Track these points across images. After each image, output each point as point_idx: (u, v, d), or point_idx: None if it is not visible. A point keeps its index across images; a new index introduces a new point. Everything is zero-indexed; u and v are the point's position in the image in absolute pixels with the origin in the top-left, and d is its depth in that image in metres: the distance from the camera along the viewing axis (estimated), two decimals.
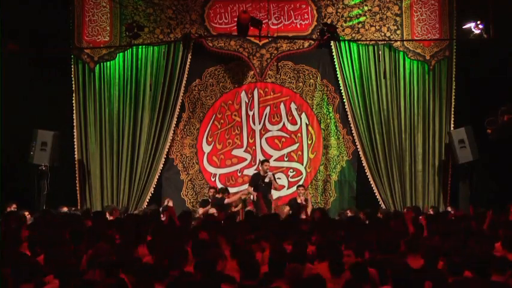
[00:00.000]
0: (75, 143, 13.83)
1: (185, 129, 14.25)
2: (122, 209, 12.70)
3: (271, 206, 12.67)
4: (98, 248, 6.29)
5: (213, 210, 12.06)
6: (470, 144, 13.17)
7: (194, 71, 14.12)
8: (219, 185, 13.71)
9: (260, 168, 13.04)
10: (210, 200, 12.78)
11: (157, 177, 13.84)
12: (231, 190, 13.50)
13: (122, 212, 12.34)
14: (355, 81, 13.87)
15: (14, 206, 11.10)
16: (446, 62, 13.88)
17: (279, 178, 13.82)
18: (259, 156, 13.99)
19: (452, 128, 13.82)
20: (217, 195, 12.88)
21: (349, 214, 11.74)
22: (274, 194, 13.24)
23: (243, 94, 14.34)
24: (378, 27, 13.86)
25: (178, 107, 13.94)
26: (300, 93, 14.33)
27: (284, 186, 13.91)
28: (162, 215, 10.80)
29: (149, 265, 5.67)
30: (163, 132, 13.81)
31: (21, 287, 5.37)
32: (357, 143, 13.98)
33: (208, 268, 5.57)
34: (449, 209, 12.87)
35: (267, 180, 12.67)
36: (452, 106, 13.90)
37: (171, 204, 12.47)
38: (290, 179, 14.17)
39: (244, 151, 14.26)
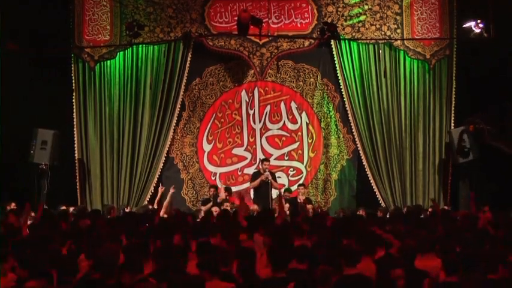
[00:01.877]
0: (75, 142, 13.85)
1: (185, 128, 14.25)
2: (121, 207, 12.72)
3: (267, 203, 12.55)
4: (103, 249, 6.25)
5: (215, 209, 12.04)
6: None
7: (194, 69, 14.12)
8: (219, 184, 13.71)
9: (260, 167, 13.05)
10: (211, 199, 12.76)
11: (158, 176, 13.85)
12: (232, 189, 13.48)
13: (120, 209, 12.37)
14: (355, 80, 13.86)
15: (13, 204, 11.12)
16: (446, 61, 13.87)
17: (279, 177, 13.81)
18: (260, 155, 13.98)
19: (452, 127, 13.81)
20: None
21: (341, 214, 11.73)
22: (273, 192, 13.18)
23: (243, 93, 14.34)
24: (378, 26, 13.85)
25: (178, 105, 13.94)
26: (300, 92, 14.32)
27: (284, 185, 13.89)
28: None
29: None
30: (164, 131, 13.82)
31: (27, 285, 5.39)
32: (357, 142, 13.97)
33: (213, 268, 5.56)
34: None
35: (263, 179, 12.65)
36: (453, 105, 13.89)
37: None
38: (290, 178, 14.16)
39: (244, 150, 14.26)
